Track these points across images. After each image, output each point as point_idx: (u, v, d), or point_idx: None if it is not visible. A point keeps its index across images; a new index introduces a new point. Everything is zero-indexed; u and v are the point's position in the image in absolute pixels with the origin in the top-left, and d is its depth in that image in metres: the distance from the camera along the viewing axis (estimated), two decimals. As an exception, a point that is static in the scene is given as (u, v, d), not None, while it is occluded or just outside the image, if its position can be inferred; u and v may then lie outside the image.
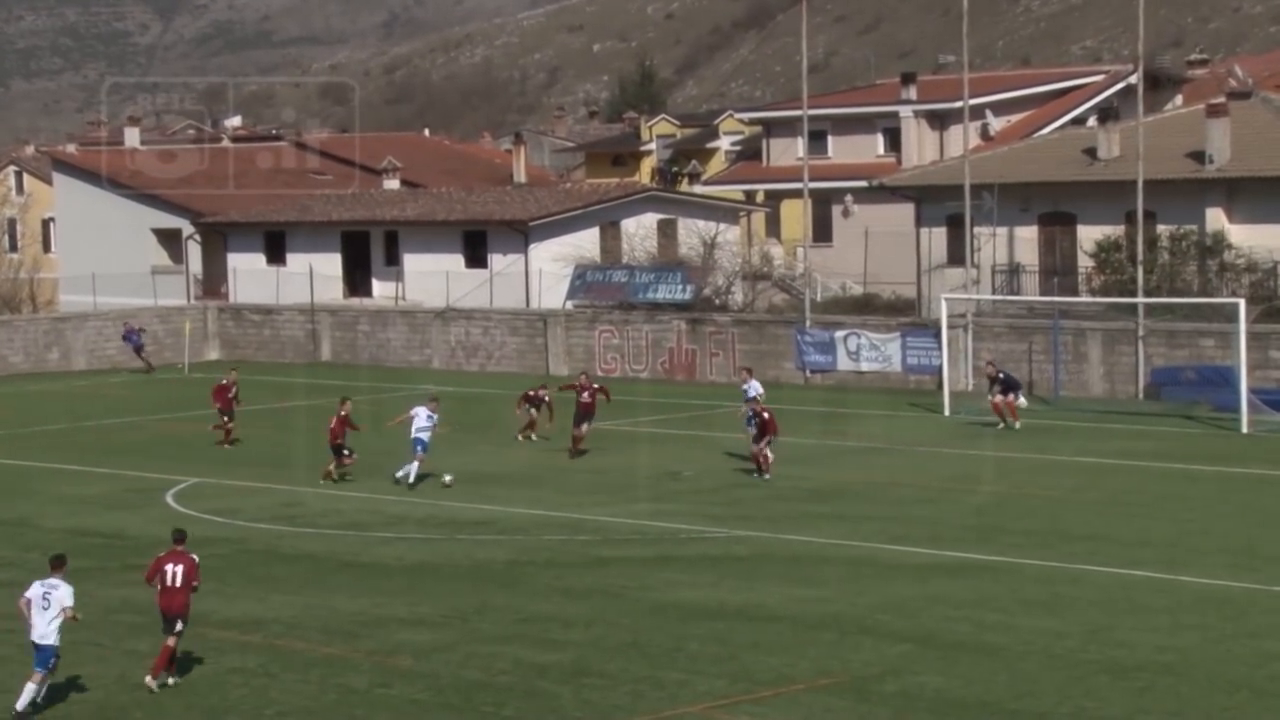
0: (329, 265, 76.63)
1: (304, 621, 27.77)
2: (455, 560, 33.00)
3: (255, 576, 31.68)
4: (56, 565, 24.02)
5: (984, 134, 79.33)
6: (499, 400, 51.63)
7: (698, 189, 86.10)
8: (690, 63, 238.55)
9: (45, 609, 23.42)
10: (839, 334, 60.35)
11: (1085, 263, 60.78)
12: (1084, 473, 42.21)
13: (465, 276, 71.80)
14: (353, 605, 29.24)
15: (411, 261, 75.14)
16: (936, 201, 64.60)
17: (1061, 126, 77.44)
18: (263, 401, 55.17)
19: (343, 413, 41.37)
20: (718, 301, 67.40)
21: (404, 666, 25.48)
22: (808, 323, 61.36)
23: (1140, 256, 55.06)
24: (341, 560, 33.10)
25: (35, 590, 23.62)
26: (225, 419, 47.93)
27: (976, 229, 60.71)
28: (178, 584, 24.80)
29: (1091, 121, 73.27)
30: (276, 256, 78.54)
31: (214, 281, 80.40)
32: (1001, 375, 49.43)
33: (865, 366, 59.29)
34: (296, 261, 76.76)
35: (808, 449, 43.79)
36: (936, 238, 65.44)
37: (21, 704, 23.02)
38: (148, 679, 24.49)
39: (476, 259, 72.87)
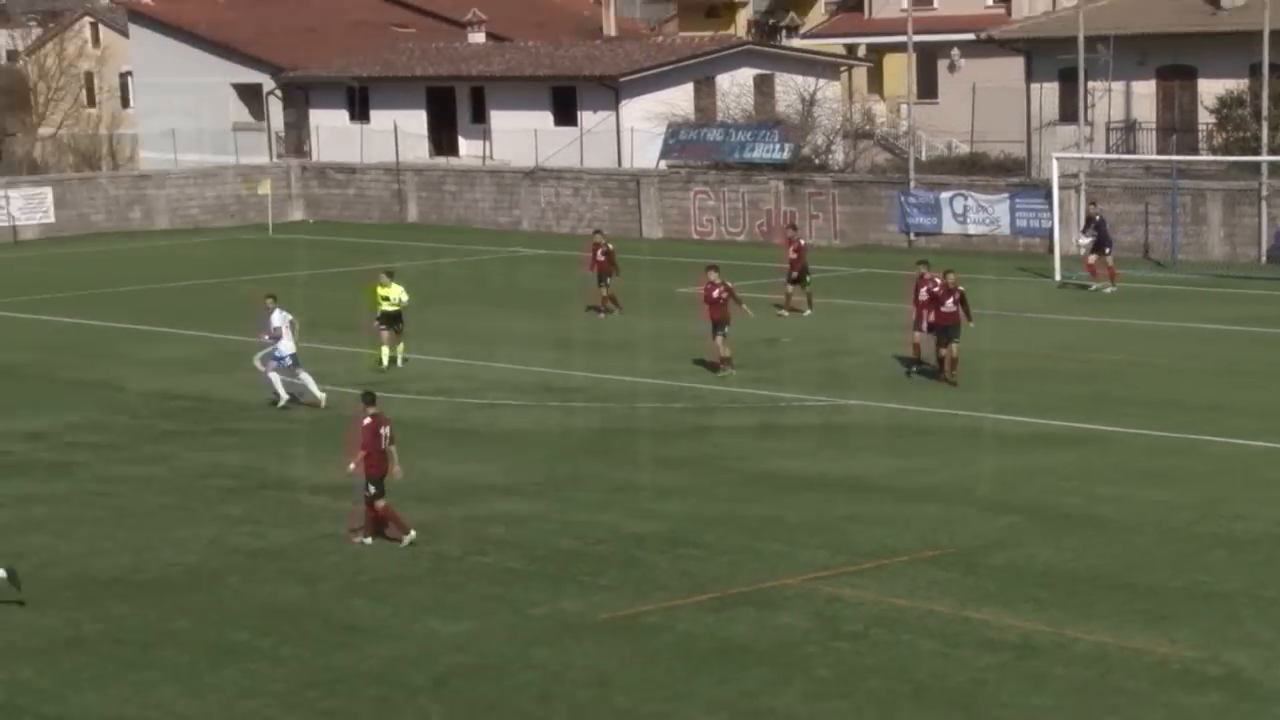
0: (414, 123, 76.72)
1: (397, 488, 28.13)
2: (547, 427, 33.29)
3: (346, 441, 32.07)
4: None
5: (1100, -16, 78.03)
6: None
7: (796, 43, 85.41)
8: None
9: None
10: (944, 195, 60.03)
11: (1206, 119, 60.11)
12: (1201, 340, 41.99)
13: (554, 135, 71.71)
14: (445, 472, 29.63)
15: (499, 119, 75.11)
16: (1048, 55, 63.65)
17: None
18: (347, 264, 55.62)
19: (713, 279, 37.83)
20: (817, 161, 67.12)
21: (498, 535, 25.83)
22: (912, 183, 61.08)
23: (1265, 112, 54.46)
24: (433, 426, 33.42)
25: None
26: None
27: (1090, 84, 60.02)
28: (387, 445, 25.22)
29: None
30: (360, 113, 78.65)
31: (297, 139, 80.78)
32: (1097, 219, 49.45)
33: (972, 229, 59.00)
34: (380, 119, 76.88)
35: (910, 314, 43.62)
36: (1048, 93, 64.60)
37: None
38: (358, 538, 25.32)
39: (566, 116, 72.81)
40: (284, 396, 35.05)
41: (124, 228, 71.31)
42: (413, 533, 25.20)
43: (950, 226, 59.51)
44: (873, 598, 22.35)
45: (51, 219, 70.03)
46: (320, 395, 34.98)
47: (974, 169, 66.32)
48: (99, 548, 25.56)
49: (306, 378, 35.17)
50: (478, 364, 39.82)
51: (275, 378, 35.32)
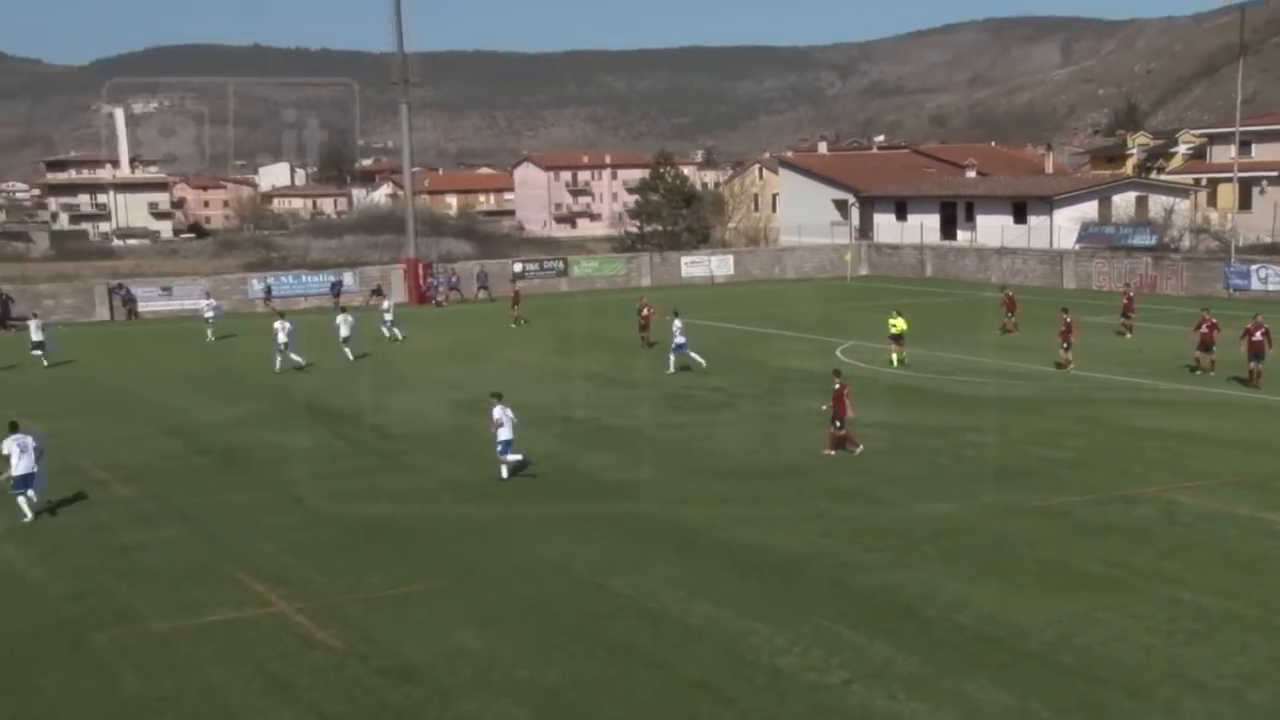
0: (931, 221, 74.87)
1: (919, 426, 27.29)
2: (998, 395, 31.66)
3: (885, 399, 30.98)
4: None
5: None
6: (1028, 303, 48.95)
7: (1163, 177, 79.37)
8: (1161, 100, 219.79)
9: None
10: (1254, 267, 54.36)
11: None
12: None
13: (1012, 229, 68.71)
14: (935, 418, 28.40)
15: (981, 220, 72.48)
16: (1328, 183, 56.99)
17: None
18: (892, 299, 54.53)
19: (1065, 317, 35.47)
20: (1173, 246, 62.07)
21: (968, 454, 24.73)
22: (1232, 259, 55.46)
23: None
24: (934, 391, 32.25)
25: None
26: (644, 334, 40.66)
27: (1356, 200, 53.24)
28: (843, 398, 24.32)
29: None
30: (901, 216, 77.24)
31: (866, 230, 79.97)
32: None
33: (1271, 287, 53.14)
34: (913, 219, 75.48)
35: (1229, 338, 39.43)
36: (1327, 206, 57.91)
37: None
38: (826, 450, 24.69)
39: (1020, 218, 69.59)
40: (672, 370, 34.60)
41: (769, 278, 71.98)
42: (861, 446, 24.36)
43: (1256, 286, 53.67)
44: (1198, 502, 20.36)
45: (732, 272, 71.43)
46: (702, 361, 34.62)
47: (1273, 252, 60.28)
48: (746, 449, 25.74)
49: (694, 355, 34.78)
50: (952, 356, 38.25)
51: (672, 358, 34.96)
